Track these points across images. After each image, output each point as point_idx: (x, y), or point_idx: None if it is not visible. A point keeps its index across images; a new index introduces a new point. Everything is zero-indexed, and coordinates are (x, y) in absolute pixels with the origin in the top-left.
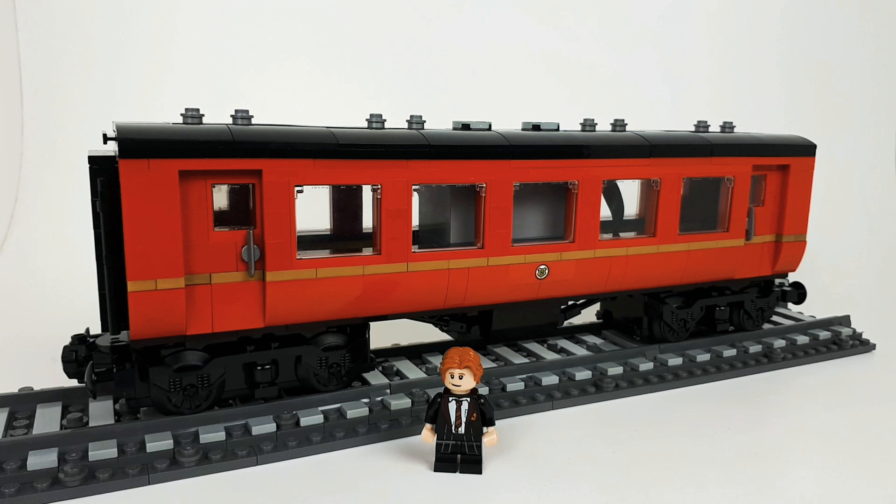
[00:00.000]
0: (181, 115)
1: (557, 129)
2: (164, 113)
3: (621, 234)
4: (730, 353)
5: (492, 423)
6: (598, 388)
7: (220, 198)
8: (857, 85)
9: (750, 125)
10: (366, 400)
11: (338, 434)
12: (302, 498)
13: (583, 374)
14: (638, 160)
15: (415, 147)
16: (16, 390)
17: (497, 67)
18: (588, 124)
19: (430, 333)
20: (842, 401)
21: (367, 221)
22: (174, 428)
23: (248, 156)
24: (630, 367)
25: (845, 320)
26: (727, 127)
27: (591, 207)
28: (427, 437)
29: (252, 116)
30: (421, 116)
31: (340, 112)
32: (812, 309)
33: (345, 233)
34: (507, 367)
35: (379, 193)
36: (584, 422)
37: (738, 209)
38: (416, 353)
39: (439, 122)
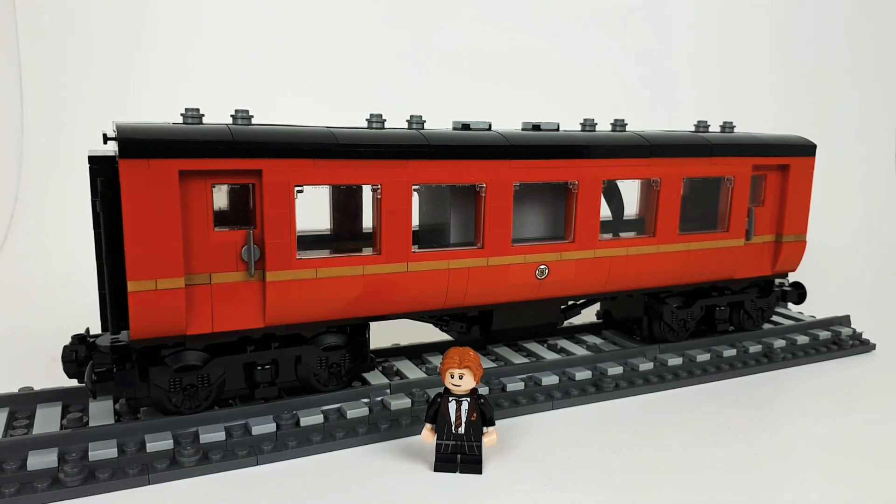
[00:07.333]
0: (181, 115)
1: (557, 129)
2: (164, 113)
3: (621, 234)
4: (730, 353)
5: (492, 423)
6: (598, 388)
7: (220, 198)
8: (857, 84)
9: (750, 125)
10: (366, 400)
11: (338, 434)
12: (302, 498)
13: (583, 374)
14: (638, 160)
15: (415, 147)
16: (16, 390)
17: (497, 67)
18: (588, 124)
19: (430, 333)
20: (842, 401)
21: (367, 221)
22: (174, 428)
23: (248, 156)
24: (630, 367)
25: (845, 320)
26: (727, 127)
27: (591, 207)
28: (427, 437)
29: (252, 116)
30: (421, 116)
31: (340, 112)
32: (812, 309)
33: (345, 233)
34: (507, 367)
35: (379, 193)
36: (584, 422)
37: (737, 209)
38: (416, 353)
39: (439, 122)
